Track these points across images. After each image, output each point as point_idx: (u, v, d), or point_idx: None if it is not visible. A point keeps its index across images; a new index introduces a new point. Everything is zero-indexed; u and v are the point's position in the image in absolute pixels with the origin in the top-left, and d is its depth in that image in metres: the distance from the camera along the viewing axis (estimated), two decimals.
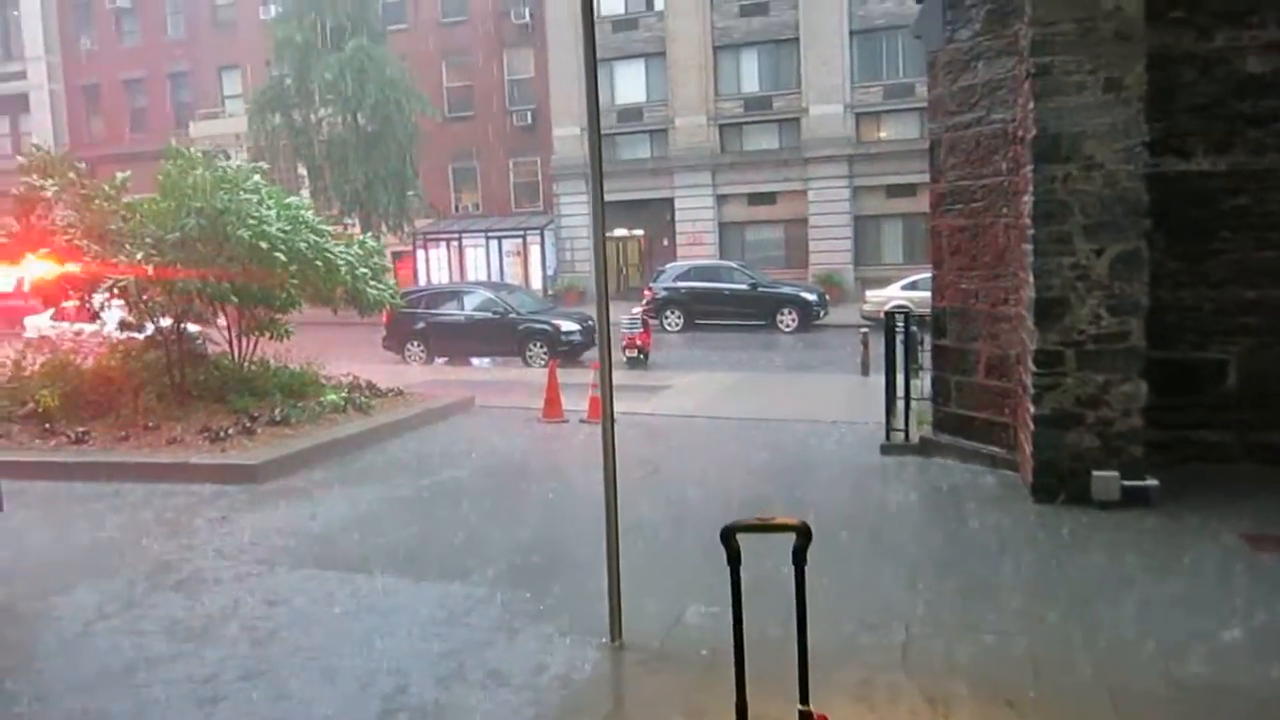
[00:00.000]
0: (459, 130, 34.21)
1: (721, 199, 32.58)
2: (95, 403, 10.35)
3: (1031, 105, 6.88)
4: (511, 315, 19.12)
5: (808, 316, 23.53)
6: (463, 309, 19.81)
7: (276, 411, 10.14)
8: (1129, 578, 5.55)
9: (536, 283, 33.07)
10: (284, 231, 10.48)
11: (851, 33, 30.49)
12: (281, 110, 30.49)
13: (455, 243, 34.95)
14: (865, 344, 14.91)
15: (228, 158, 24.45)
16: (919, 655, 4.50)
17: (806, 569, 2.93)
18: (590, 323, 18.78)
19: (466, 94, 34.85)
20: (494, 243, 34.55)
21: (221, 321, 11.62)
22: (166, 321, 10.78)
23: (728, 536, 2.90)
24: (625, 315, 18.23)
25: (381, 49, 29.65)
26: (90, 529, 7.07)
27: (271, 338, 11.53)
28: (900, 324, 9.42)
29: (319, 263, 11.00)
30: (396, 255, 34.47)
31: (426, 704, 4.16)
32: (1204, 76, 7.49)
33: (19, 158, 11.60)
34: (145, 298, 10.12)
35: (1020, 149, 7.37)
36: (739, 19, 31.77)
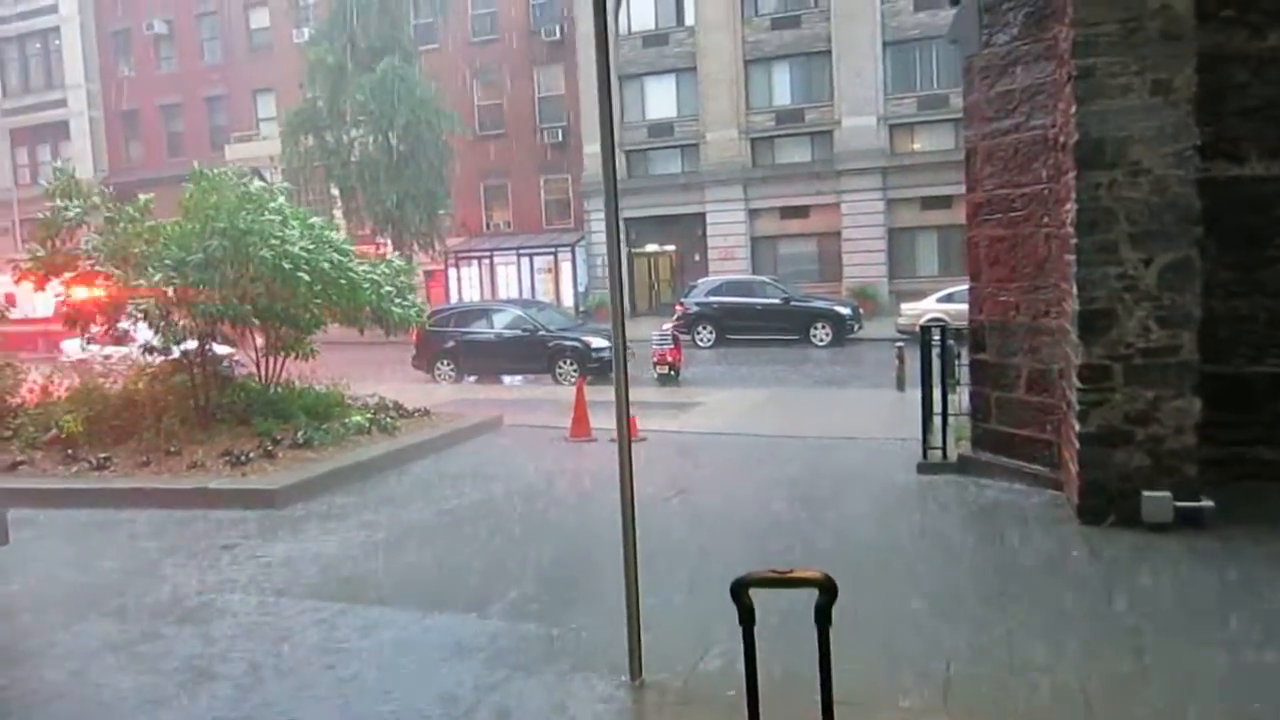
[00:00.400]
0: (490, 148, 34.31)
1: (753, 213, 32.30)
2: (119, 427, 10.28)
3: (1074, 109, 6.56)
4: (541, 332, 18.95)
5: (841, 331, 23.14)
6: (492, 327, 19.68)
7: (300, 434, 10.00)
8: (1186, 607, 5.18)
9: (568, 300, 32.97)
10: (307, 251, 10.38)
11: (885, 44, 30.16)
12: (314, 131, 30.72)
13: (487, 261, 35.00)
14: (900, 358, 14.53)
15: (263, 179, 24.74)
16: (962, 695, 4.18)
17: (836, 612, 2.47)
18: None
19: (497, 112, 34.96)
20: (525, 260, 34.54)
21: (257, 342, 11.57)
22: (191, 344, 10.71)
23: (739, 592, 2.39)
24: (656, 331, 18.05)
25: (412, 69, 29.81)
26: (101, 559, 6.92)
27: (297, 357, 11.43)
28: (936, 338, 9.07)
29: (343, 282, 10.91)
30: (429, 274, 34.61)
31: None
32: (1257, 78, 7.11)
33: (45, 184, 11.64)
34: (168, 320, 10.05)
35: (1062, 155, 7.04)
36: (770, 32, 31.56)
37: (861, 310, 24.82)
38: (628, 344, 16.58)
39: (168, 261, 9.80)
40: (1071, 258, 6.68)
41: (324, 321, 11.37)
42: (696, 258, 32.62)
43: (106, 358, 13.86)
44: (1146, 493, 6.37)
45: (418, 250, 30.87)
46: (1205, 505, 6.35)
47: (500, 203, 35.90)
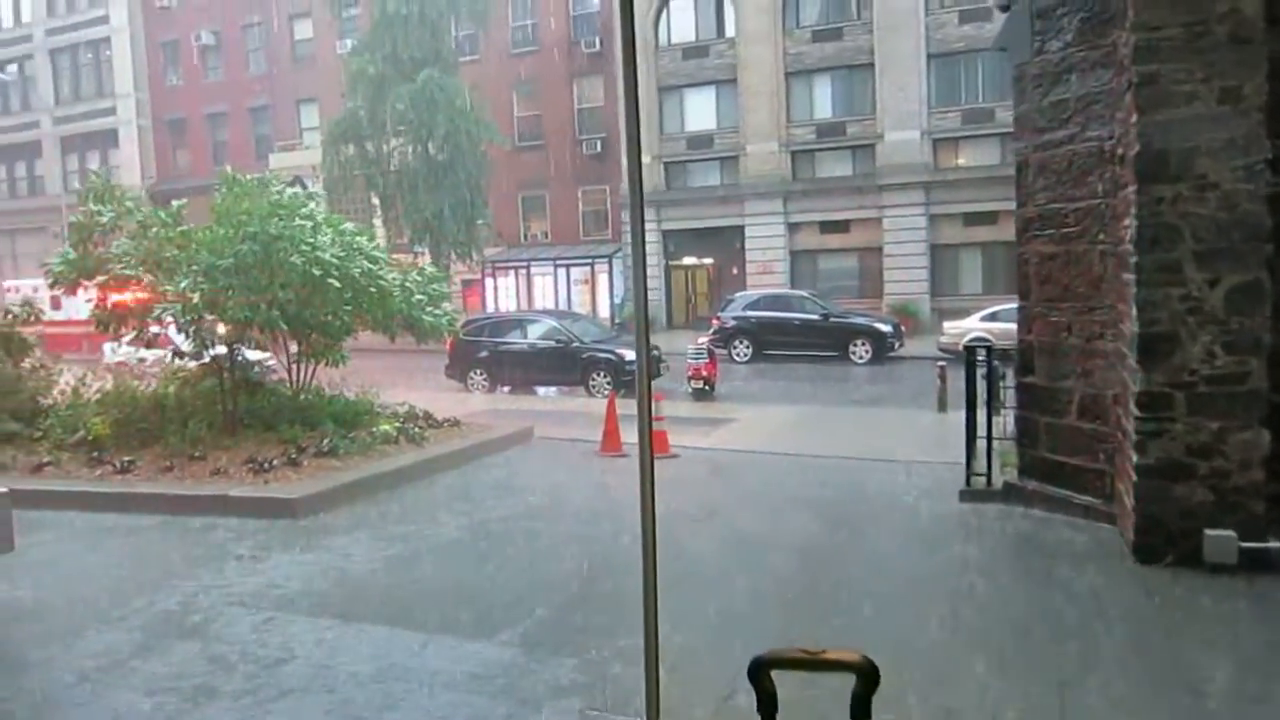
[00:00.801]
0: (528, 159, 34.29)
1: (793, 227, 31.89)
2: (146, 431, 10.21)
3: (1134, 119, 6.19)
4: (575, 344, 18.73)
5: (881, 348, 22.65)
6: (526, 337, 19.51)
7: (325, 442, 9.83)
8: (1257, 661, 4.76)
9: (604, 311, 32.77)
10: (338, 258, 10.25)
11: (929, 57, 29.65)
12: (355, 141, 30.89)
13: (524, 271, 34.93)
14: (942, 378, 14.08)
15: (305, 187, 24.89)
16: None
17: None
18: (656, 351, 18.30)
19: (536, 123, 34.94)
20: (562, 271, 34.41)
21: (289, 348, 11.48)
22: (220, 349, 10.61)
23: (759, 674, 1.83)
24: (691, 345, 17.77)
25: (452, 79, 29.86)
26: (113, 567, 6.78)
27: (327, 364, 11.31)
28: (982, 358, 8.69)
29: (373, 290, 10.76)
30: (466, 283, 34.63)
31: None
32: None
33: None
34: (196, 325, 9.96)
35: (1120, 168, 6.66)
36: (812, 44, 31.20)
37: (902, 327, 24.27)
38: (662, 357, 16.22)
39: (196, 267, 9.70)
40: (1130, 277, 6.29)
41: (353, 329, 11.23)
42: (734, 271, 32.28)
43: (141, 361, 13.91)
44: (1209, 531, 5.95)
45: (455, 259, 30.89)
46: (1273, 546, 5.91)
47: (538, 213, 35.85)
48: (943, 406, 13.62)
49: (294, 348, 11.30)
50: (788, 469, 10.36)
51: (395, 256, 17.00)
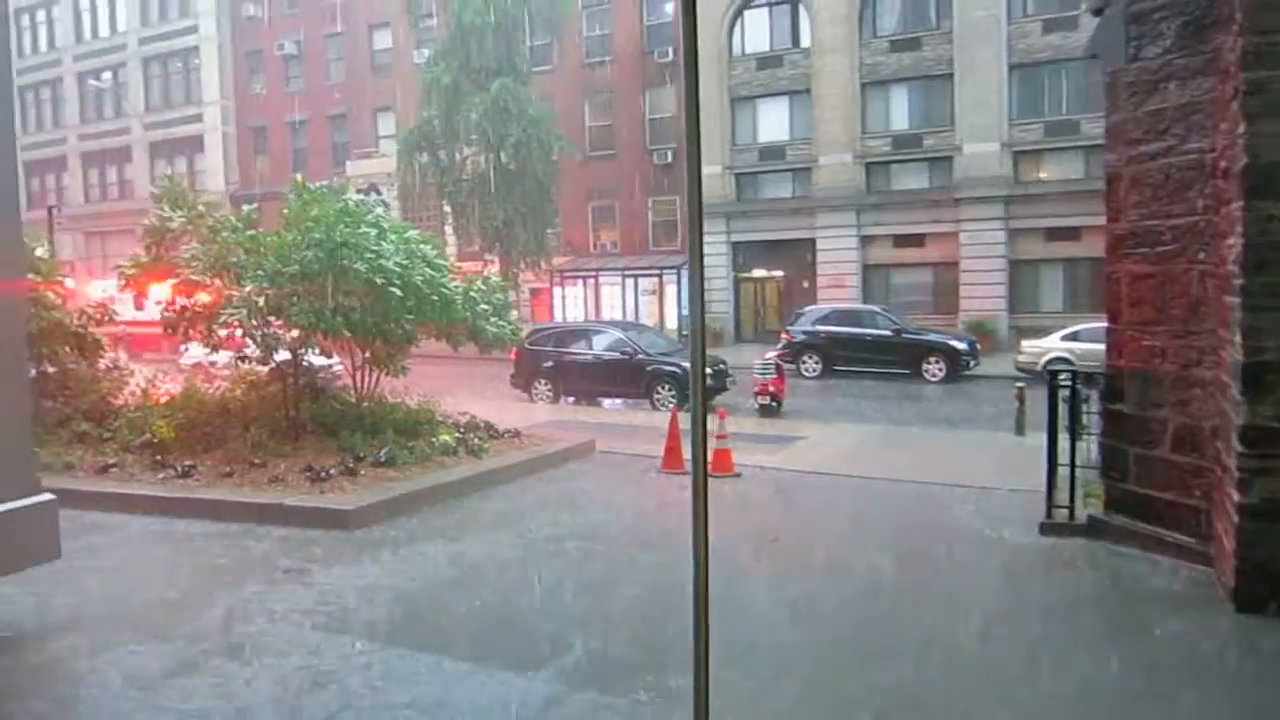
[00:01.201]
0: (599, 169, 34.29)
1: (866, 240, 31.25)
2: (210, 434, 10.26)
3: (1241, 130, 5.72)
4: (640, 356, 18.51)
5: (956, 366, 21.94)
6: (591, 348, 19.35)
7: (383, 452, 9.76)
8: None
9: (671, 322, 32.55)
10: (401, 265, 10.20)
11: (1010, 67, 28.79)
12: (429, 149, 31.29)
13: (592, 280, 34.92)
14: (1021, 399, 13.46)
15: (379, 195, 25.25)
16: None
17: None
18: (722, 365, 18.00)
19: (607, 133, 34.96)
20: (630, 281, 34.31)
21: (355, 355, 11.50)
22: (284, 354, 10.64)
23: None
24: (759, 359, 17.41)
25: (525, 89, 30.06)
26: (159, 576, 6.72)
27: (386, 373, 11.28)
28: (1065, 381, 8.17)
29: (435, 298, 10.70)
30: (534, 292, 34.79)
31: None
32: None
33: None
34: (261, 329, 9.99)
35: (1223, 183, 6.18)
36: (889, 55, 30.58)
37: (978, 345, 23.48)
38: (729, 371, 15.83)
39: (262, 271, 9.74)
40: (1234, 300, 5.81)
41: (415, 337, 11.18)
42: (805, 284, 31.75)
43: (212, 364, 14.12)
44: None
45: (524, 268, 31.01)
46: None
47: (607, 223, 35.83)
48: (1021, 429, 13.03)
49: (359, 355, 11.30)
50: (856, 491, 9.96)
51: (465, 264, 16.95)
